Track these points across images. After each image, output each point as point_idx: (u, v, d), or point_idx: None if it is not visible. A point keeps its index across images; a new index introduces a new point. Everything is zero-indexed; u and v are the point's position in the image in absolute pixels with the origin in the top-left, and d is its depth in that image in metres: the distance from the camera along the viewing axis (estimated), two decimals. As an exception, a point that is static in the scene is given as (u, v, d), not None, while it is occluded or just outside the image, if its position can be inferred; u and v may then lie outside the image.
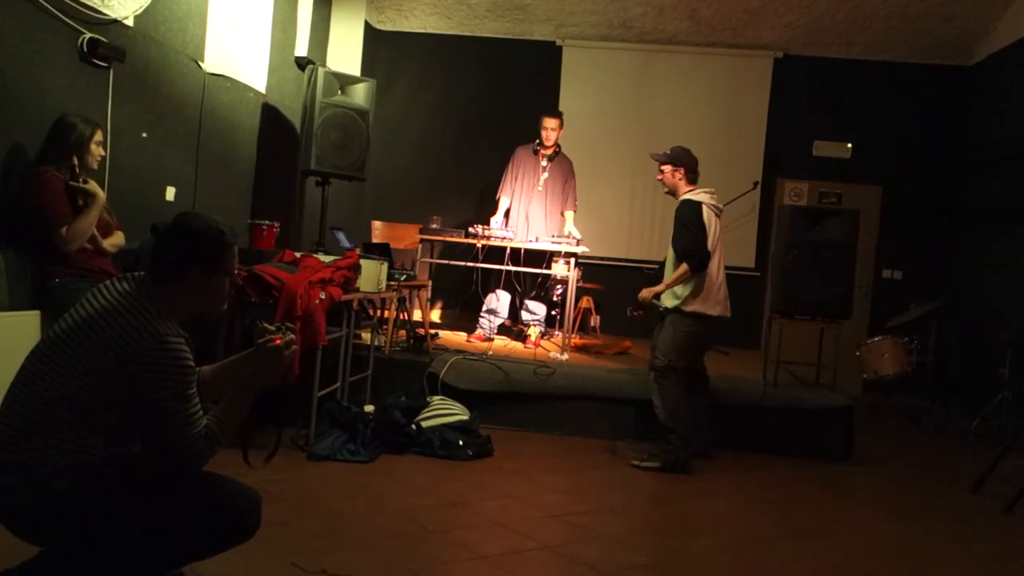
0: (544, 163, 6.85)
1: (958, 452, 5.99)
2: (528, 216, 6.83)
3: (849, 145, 8.63)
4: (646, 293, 5.02)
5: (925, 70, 8.50)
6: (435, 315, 8.23)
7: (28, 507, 2.04)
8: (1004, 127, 7.53)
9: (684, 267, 4.81)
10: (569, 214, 6.93)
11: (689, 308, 4.84)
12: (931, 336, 7.29)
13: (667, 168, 5.05)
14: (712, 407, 5.22)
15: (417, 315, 6.36)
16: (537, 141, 6.86)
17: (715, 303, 4.89)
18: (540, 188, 6.83)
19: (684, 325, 4.86)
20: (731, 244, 5.24)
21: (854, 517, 4.27)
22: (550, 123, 6.76)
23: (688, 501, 4.29)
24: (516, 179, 6.93)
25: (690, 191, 4.97)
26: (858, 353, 6.88)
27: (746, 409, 5.42)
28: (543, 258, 6.36)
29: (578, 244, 6.22)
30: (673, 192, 5.07)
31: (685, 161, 5.02)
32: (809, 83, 8.63)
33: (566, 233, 6.65)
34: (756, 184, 8.27)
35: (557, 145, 6.86)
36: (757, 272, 8.54)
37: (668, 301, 4.90)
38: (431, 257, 6.81)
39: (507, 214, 6.98)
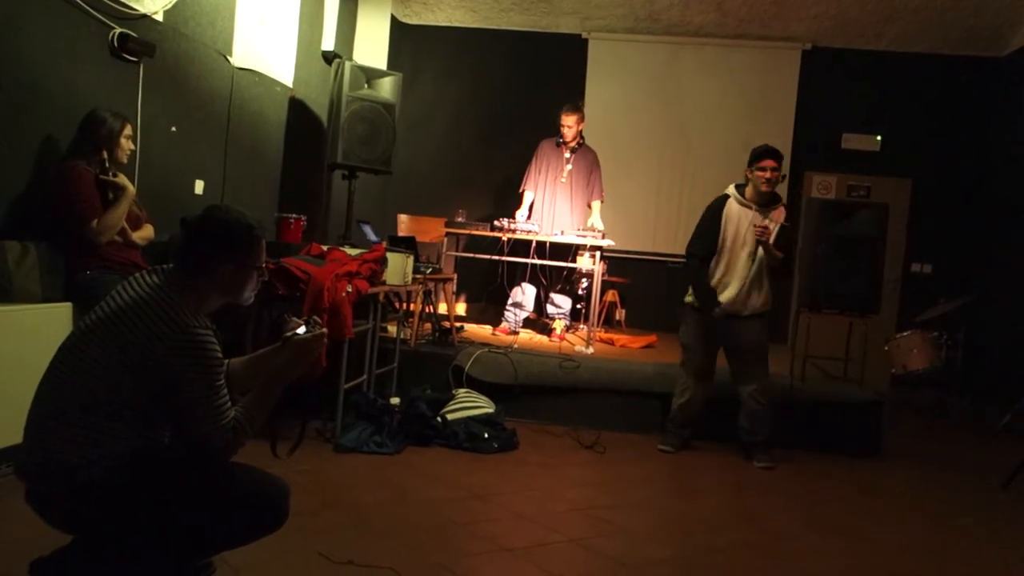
0: (567, 155, 6.83)
1: (988, 448, 5.92)
2: (554, 209, 6.81)
3: (878, 138, 8.53)
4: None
5: (956, 62, 8.38)
6: (460, 308, 8.25)
7: (60, 497, 2.07)
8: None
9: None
10: (596, 204, 6.90)
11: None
12: (961, 331, 7.20)
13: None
14: (739, 402, 5.19)
15: (443, 308, 6.38)
16: (559, 135, 6.84)
17: None
18: (564, 180, 6.81)
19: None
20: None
21: (881, 513, 4.23)
22: (568, 120, 6.71)
23: (713, 496, 4.28)
24: (540, 172, 6.91)
25: None
26: (887, 348, 6.80)
27: (773, 404, 5.38)
28: (568, 252, 6.35)
29: (603, 237, 6.20)
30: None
31: None
32: (838, 75, 8.54)
33: (590, 225, 6.64)
34: (784, 177, 8.17)
35: (580, 136, 6.84)
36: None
37: (765, 302, 4.93)
38: (456, 250, 6.82)
39: (531, 208, 6.97)
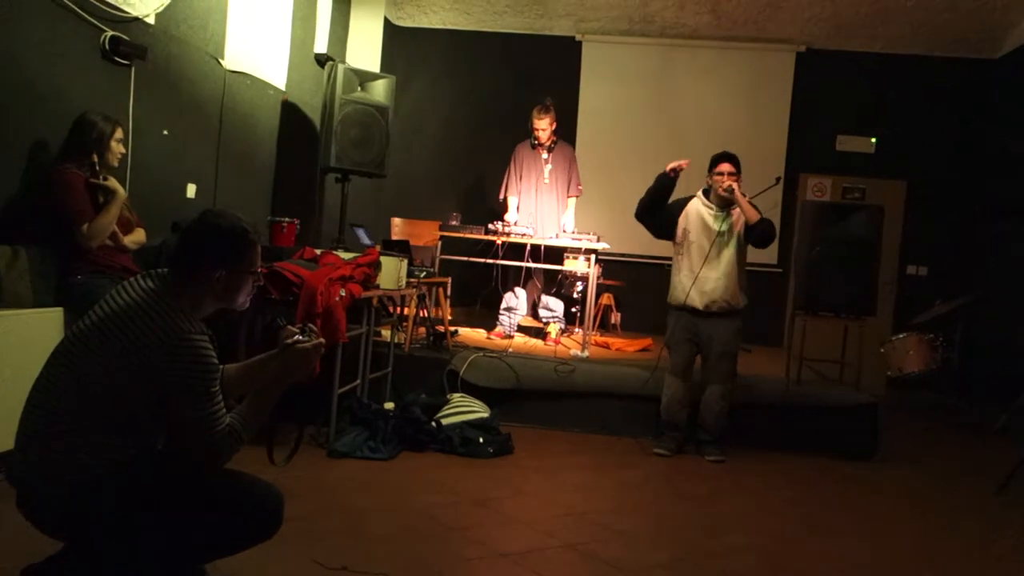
0: (545, 156, 6.80)
1: (984, 450, 5.92)
2: (540, 211, 6.77)
3: (873, 140, 8.54)
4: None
5: (950, 63, 8.40)
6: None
7: (53, 503, 2.05)
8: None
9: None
10: (571, 201, 6.88)
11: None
12: (957, 333, 7.20)
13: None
14: (735, 404, 5.19)
15: (437, 312, 6.35)
16: (533, 138, 6.80)
17: None
18: (547, 181, 6.78)
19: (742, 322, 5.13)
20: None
21: (879, 515, 4.22)
22: (540, 123, 6.65)
23: (711, 499, 4.26)
24: (521, 178, 6.86)
25: None
26: (882, 350, 6.80)
27: (769, 407, 5.38)
28: (562, 255, 6.32)
29: (598, 240, 6.18)
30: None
31: None
32: (832, 77, 8.54)
33: (562, 224, 6.61)
34: (779, 179, 8.10)
35: (554, 135, 6.79)
36: (780, 269, 8.47)
37: (741, 300, 5.06)
38: (450, 254, 6.79)
39: (518, 211, 6.93)
